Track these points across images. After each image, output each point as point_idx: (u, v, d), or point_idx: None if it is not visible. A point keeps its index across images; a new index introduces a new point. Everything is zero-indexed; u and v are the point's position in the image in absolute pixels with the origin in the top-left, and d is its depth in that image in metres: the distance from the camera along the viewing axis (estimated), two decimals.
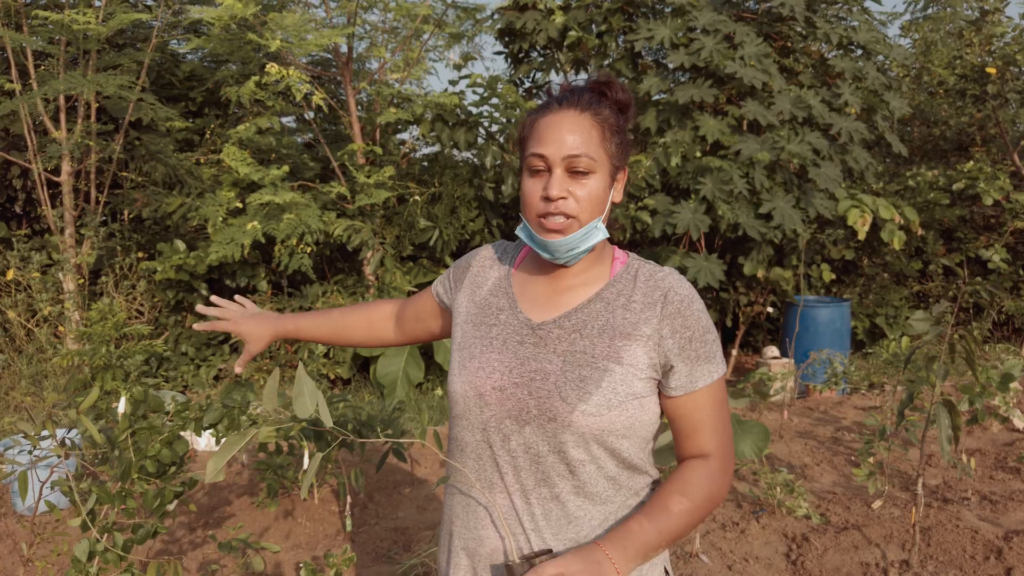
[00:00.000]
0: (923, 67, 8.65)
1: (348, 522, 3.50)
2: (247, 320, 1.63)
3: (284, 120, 7.87)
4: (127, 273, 6.48)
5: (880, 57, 6.94)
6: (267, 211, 5.82)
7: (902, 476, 4.10)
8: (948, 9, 9.11)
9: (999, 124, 7.35)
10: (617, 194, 1.29)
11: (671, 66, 6.33)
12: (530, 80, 7.47)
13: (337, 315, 1.63)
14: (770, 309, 6.98)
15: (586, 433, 1.18)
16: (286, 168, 5.69)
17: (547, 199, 1.20)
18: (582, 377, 1.19)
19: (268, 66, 5.15)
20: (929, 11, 9.47)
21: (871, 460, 3.68)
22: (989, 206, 7.54)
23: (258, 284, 6.42)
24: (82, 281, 6.20)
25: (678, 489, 1.21)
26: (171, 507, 2.03)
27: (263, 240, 5.85)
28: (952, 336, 2.76)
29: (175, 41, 7.19)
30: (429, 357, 6.31)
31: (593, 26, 6.55)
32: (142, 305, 6.38)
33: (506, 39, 7.03)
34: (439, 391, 6.18)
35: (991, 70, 6.99)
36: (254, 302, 6.25)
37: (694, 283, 6.11)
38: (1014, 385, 4.13)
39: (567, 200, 1.20)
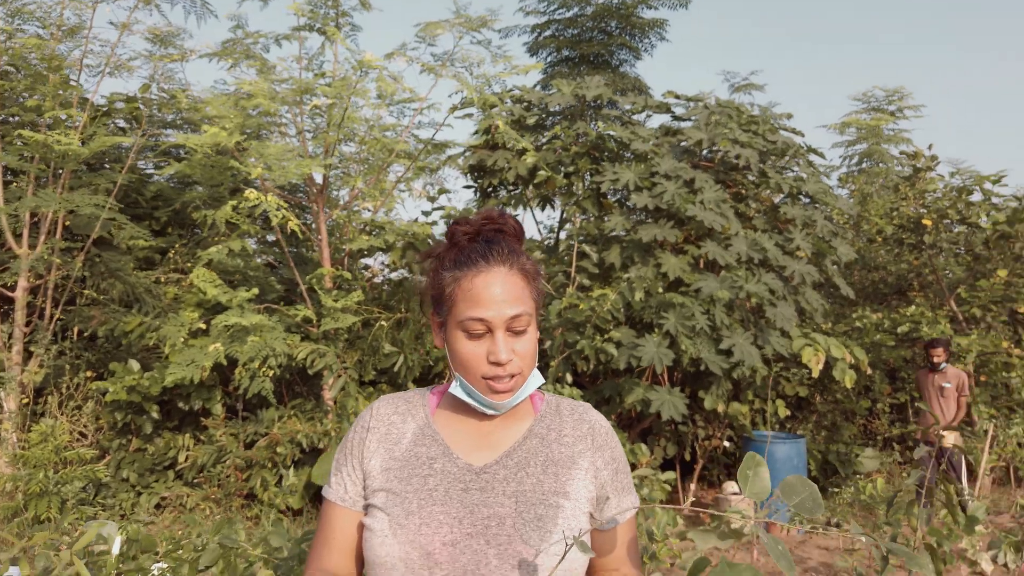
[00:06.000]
0: (861, 216, 9.25)
1: None
2: None
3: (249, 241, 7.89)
4: (73, 393, 6.21)
5: (825, 206, 7.41)
6: (231, 333, 5.72)
7: None
8: (881, 164, 9.86)
9: (935, 272, 7.82)
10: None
11: (634, 206, 6.64)
12: None
13: None
14: (727, 443, 7.03)
15: None
16: (255, 291, 5.66)
17: (496, 363, 1.17)
18: (538, 516, 1.14)
19: (247, 192, 5.22)
20: (863, 165, 10.23)
21: None
22: None
23: (212, 407, 6.22)
24: (26, 400, 5.91)
25: None
26: None
27: (224, 362, 5.72)
28: (936, 482, 2.83)
29: (149, 164, 7.26)
30: None
31: (561, 167, 6.87)
32: (86, 427, 6.09)
33: (475, 174, 7.30)
34: None
35: (927, 221, 7.52)
36: (207, 426, 6.09)
37: (658, 416, 6.15)
38: (979, 528, 4.18)
39: (513, 360, 1.18)
